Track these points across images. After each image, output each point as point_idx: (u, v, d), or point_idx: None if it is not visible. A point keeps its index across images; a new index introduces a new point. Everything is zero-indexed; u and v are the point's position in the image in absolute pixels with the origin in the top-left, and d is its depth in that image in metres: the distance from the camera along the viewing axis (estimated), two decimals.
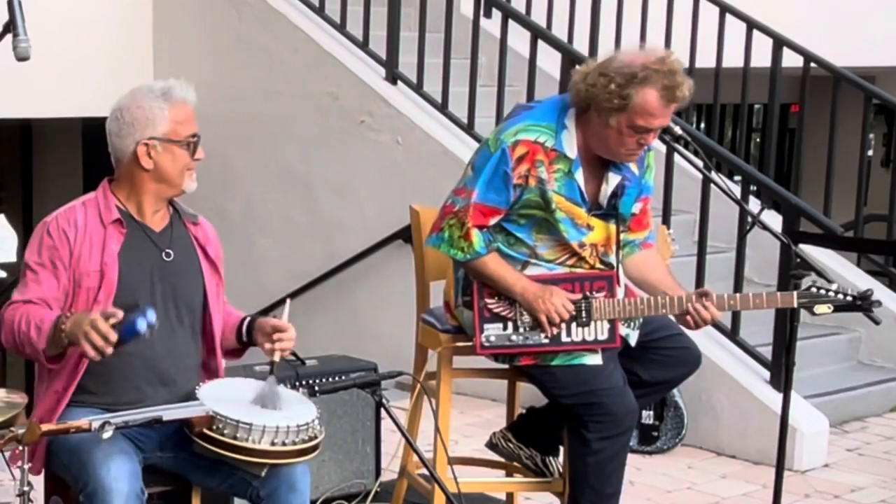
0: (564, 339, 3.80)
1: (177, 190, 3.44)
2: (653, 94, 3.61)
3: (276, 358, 3.41)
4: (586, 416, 3.80)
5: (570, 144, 3.74)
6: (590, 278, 3.81)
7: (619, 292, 3.84)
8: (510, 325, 3.83)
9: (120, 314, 3.11)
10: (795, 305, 3.86)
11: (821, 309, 3.86)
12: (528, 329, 3.82)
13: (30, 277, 3.34)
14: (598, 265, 3.84)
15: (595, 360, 3.81)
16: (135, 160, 3.37)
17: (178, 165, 3.39)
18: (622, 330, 3.86)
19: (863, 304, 3.88)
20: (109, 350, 3.10)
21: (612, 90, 3.62)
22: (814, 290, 3.86)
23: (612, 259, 3.86)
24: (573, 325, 3.79)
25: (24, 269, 3.37)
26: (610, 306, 3.78)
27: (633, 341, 3.89)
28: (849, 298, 3.86)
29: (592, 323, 3.79)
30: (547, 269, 3.83)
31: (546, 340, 3.80)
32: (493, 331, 3.84)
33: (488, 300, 3.84)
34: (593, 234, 3.82)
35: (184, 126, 3.39)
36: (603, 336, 3.80)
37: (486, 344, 3.84)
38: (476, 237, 3.79)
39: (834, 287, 3.87)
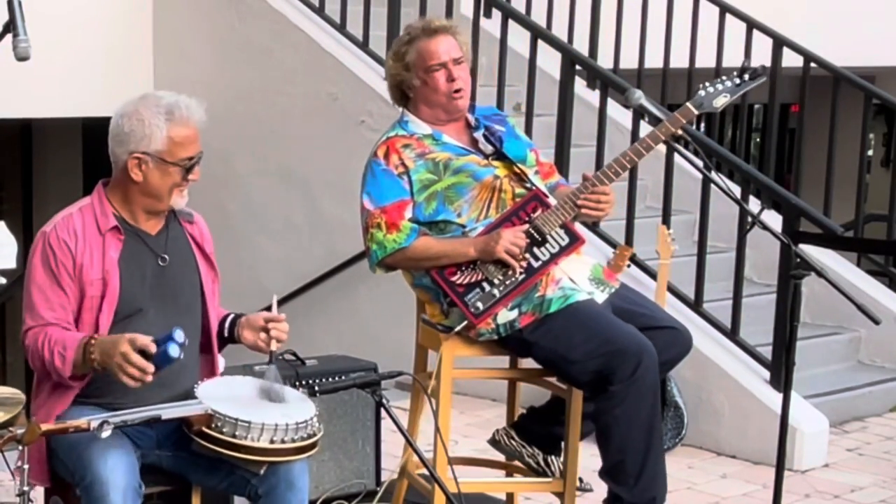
0: (536, 264, 3.91)
1: (164, 206, 3.41)
2: (420, 42, 4.04)
3: (274, 347, 3.41)
4: (606, 369, 3.81)
5: (419, 126, 4.08)
6: (521, 207, 3.95)
7: (551, 201, 3.98)
8: (485, 284, 3.91)
9: (153, 347, 3.12)
10: (697, 113, 3.97)
11: (719, 102, 3.97)
12: (501, 277, 3.90)
13: (37, 298, 3.32)
14: (518, 190, 3.99)
15: (584, 295, 3.90)
16: (125, 170, 3.35)
17: (167, 184, 3.36)
18: (588, 288, 3.94)
19: (749, 76, 3.99)
20: (149, 379, 3.15)
21: (397, 64, 4.09)
22: (702, 92, 3.98)
23: (528, 183, 4.03)
24: (534, 249, 3.90)
25: (30, 286, 3.34)
26: (553, 215, 3.93)
27: (599, 299, 3.94)
28: (736, 80, 3.98)
29: (548, 237, 3.91)
30: (482, 226, 3.95)
31: (523, 276, 3.90)
32: (475, 298, 3.91)
33: (452, 278, 3.93)
34: (498, 170, 4.03)
35: (181, 147, 3.34)
36: (565, 241, 3.94)
37: (477, 312, 3.91)
38: (403, 224, 3.95)
39: (723, 78, 4.00)
